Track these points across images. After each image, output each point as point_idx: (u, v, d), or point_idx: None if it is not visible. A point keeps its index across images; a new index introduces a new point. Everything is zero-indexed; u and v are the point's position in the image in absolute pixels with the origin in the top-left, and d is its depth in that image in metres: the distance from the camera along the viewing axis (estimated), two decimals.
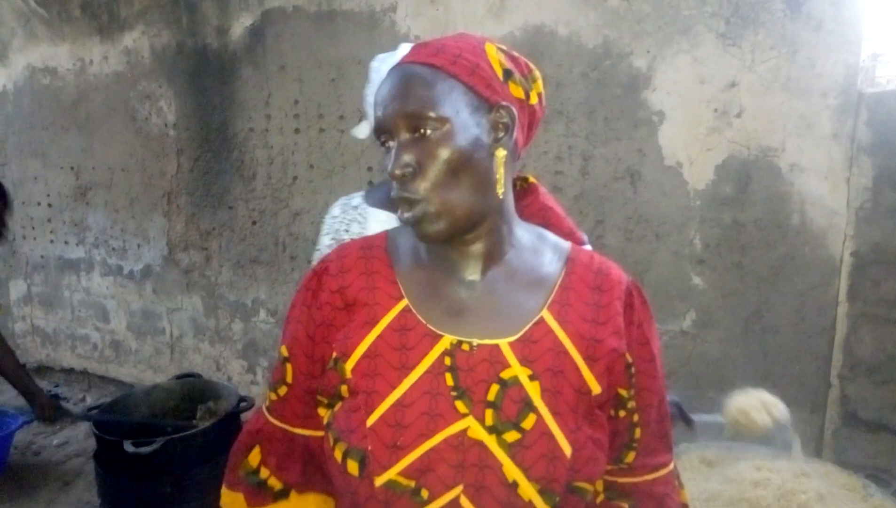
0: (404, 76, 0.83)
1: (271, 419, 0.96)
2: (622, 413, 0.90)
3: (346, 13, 2.88)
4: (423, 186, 0.81)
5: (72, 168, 4.02)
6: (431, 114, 0.80)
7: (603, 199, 2.47)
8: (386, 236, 0.96)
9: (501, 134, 0.85)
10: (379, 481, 0.80)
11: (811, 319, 2.21)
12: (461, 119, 0.81)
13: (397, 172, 0.80)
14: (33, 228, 4.37)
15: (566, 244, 0.95)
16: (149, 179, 3.70)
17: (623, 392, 0.89)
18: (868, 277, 2.12)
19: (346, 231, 1.46)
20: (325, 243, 1.50)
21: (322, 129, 3.04)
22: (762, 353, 2.29)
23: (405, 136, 0.82)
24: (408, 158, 0.81)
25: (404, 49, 1.51)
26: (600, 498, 0.96)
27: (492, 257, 0.89)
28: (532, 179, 1.01)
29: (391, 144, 0.83)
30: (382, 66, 1.52)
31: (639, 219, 2.42)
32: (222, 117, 3.34)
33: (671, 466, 0.97)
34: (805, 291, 2.20)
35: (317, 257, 1.51)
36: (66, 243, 4.21)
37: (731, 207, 2.27)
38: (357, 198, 1.52)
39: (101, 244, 4.04)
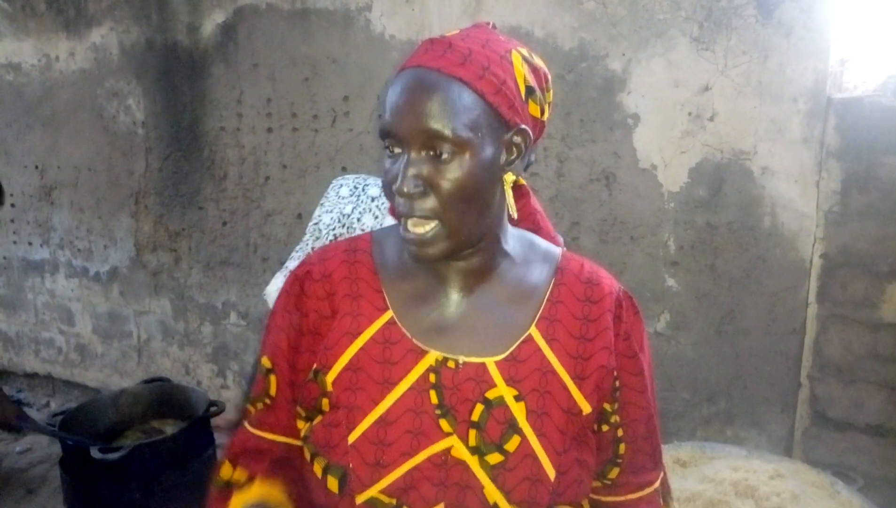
0: (424, 86, 0.76)
1: (252, 430, 0.92)
2: (605, 428, 0.88)
3: (321, 11, 2.85)
4: (432, 204, 0.76)
5: (36, 167, 3.91)
6: (451, 136, 0.74)
7: (578, 201, 2.48)
8: (371, 239, 0.91)
9: (513, 156, 0.82)
10: (360, 499, 0.78)
11: (782, 320, 2.24)
12: (479, 142, 0.76)
13: (405, 189, 0.75)
14: None
15: (556, 252, 0.92)
16: (116, 179, 3.62)
17: (607, 406, 0.86)
18: (837, 279, 2.16)
19: (359, 220, 1.37)
20: (326, 222, 1.42)
21: (295, 128, 3.01)
22: (734, 354, 2.32)
23: (419, 152, 0.76)
24: (419, 176, 0.76)
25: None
26: None
27: (482, 273, 0.86)
28: (522, 182, 0.96)
29: (397, 150, 0.78)
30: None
31: (614, 221, 2.43)
32: (193, 116, 3.28)
33: (657, 484, 0.94)
34: (776, 292, 2.24)
35: (310, 231, 1.43)
36: (29, 243, 4.09)
37: (705, 209, 2.29)
38: (375, 187, 1.42)
39: (66, 245, 3.94)
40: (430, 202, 0.76)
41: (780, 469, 1.63)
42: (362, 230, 1.36)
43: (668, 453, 1.86)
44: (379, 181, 1.45)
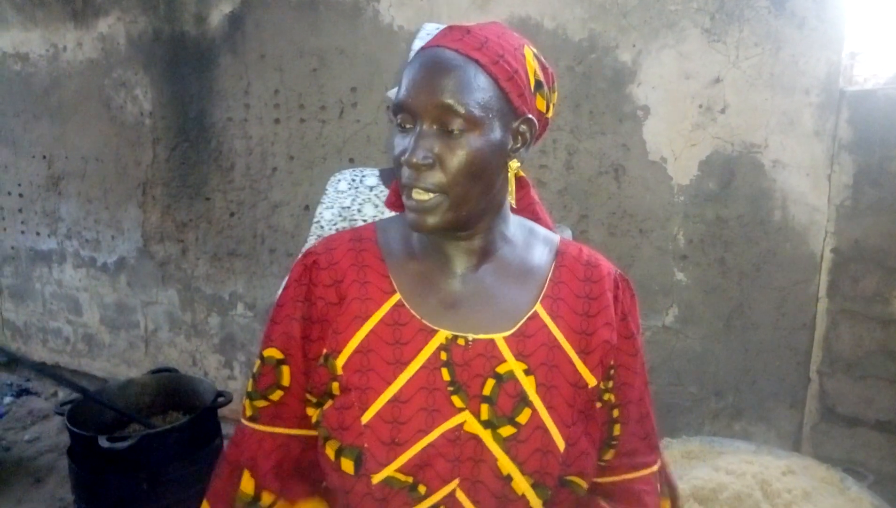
0: (442, 64, 0.79)
1: (261, 428, 0.90)
2: (598, 405, 0.89)
3: (329, 2, 2.84)
4: (438, 179, 0.79)
5: (44, 157, 3.92)
6: (464, 112, 0.78)
7: (587, 193, 2.46)
8: (375, 227, 0.94)
9: (519, 145, 0.85)
10: (376, 479, 0.80)
11: (792, 315, 2.22)
12: (489, 123, 0.80)
13: (414, 161, 0.78)
14: (3, 218, 4.25)
15: (555, 238, 0.96)
16: (123, 169, 3.62)
17: (601, 384, 0.89)
18: (848, 273, 2.14)
19: (359, 211, 1.38)
20: (327, 218, 1.42)
21: (303, 119, 3.00)
22: (743, 349, 2.30)
23: (430, 126, 0.79)
24: (429, 149, 0.79)
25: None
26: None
27: (485, 253, 0.89)
28: (521, 173, 0.99)
29: (409, 126, 0.81)
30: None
31: (623, 214, 2.42)
32: (200, 106, 3.28)
33: (655, 468, 0.95)
34: (786, 287, 2.22)
35: (313, 230, 1.44)
36: (37, 233, 4.11)
37: (715, 203, 2.27)
38: (372, 177, 1.43)
39: (73, 236, 3.95)
40: (437, 176, 0.79)
41: (791, 465, 1.62)
42: (364, 221, 1.37)
43: (677, 447, 1.85)
44: (376, 172, 1.46)
